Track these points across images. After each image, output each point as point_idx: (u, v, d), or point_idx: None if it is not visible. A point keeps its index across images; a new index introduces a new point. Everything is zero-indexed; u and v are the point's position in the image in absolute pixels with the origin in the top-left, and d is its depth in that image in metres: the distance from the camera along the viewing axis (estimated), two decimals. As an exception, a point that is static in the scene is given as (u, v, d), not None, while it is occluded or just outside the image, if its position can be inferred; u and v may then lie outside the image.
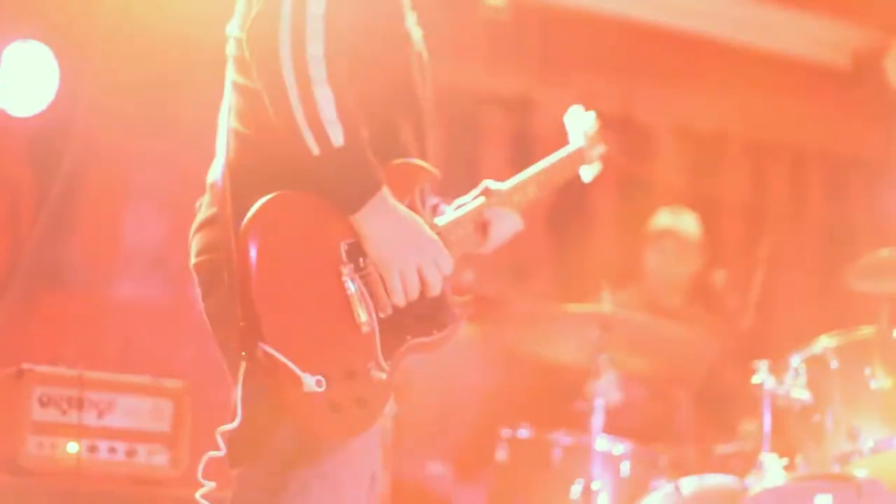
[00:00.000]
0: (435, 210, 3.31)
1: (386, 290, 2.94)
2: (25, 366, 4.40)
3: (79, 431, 4.39)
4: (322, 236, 2.90)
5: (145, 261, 6.09)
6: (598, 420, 5.06)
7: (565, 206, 7.23)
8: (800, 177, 7.89)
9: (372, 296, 2.93)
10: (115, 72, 5.95)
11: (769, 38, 7.65)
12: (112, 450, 4.46)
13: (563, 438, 5.30)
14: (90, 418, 4.45)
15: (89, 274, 6.00)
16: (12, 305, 5.78)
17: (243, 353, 2.82)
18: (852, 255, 5.89)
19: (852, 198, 8.01)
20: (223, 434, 2.85)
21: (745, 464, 5.15)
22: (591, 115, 3.82)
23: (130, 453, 4.49)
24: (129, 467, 4.50)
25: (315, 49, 2.84)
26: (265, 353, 2.77)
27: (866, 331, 4.99)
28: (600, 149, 3.78)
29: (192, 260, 3.08)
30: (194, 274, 3.08)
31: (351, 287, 2.88)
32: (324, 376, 2.81)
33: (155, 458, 4.53)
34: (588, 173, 3.76)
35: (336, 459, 2.94)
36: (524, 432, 5.40)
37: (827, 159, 7.93)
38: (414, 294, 2.96)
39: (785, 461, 4.69)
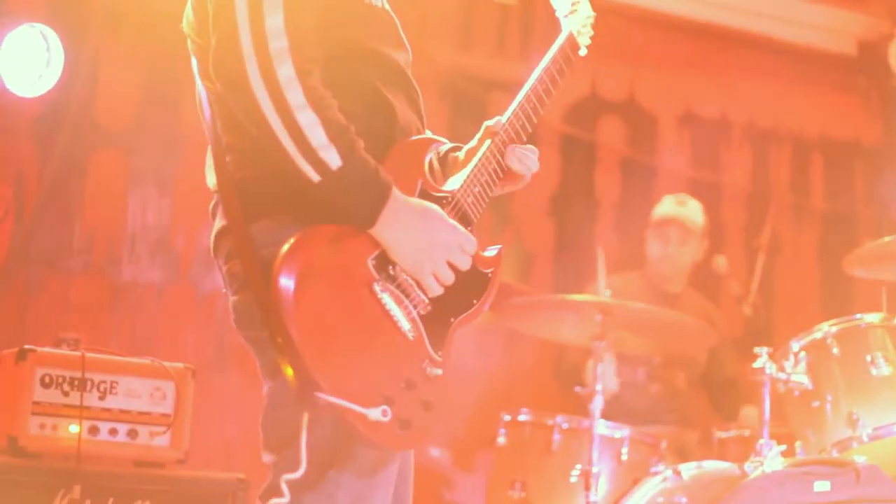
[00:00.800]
0: (447, 160, 3.27)
1: (421, 289, 2.93)
2: (27, 347, 4.39)
3: (80, 413, 4.39)
4: (349, 261, 2.86)
5: (149, 242, 6.10)
6: (597, 405, 5.06)
7: (569, 191, 7.24)
8: (802, 164, 7.90)
9: (408, 297, 2.92)
10: (120, 54, 5.97)
11: (773, 26, 7.64)
12: (113, 431, 4.46)
13: (562, 423, 5.30)
14: (92, 399, 4.45)
15: (93, 255, 6.01)
16: (15, 286, 5.80)
17: (303, 406, 2.77)
18: (854, 242, 5.91)
19: (854, 185, 8.02)
20: (288, 483, 2.81)
21: (745, 449, 5.16)
22: None
23: (132, 435, 4.49)
24: (130, 449, 4.50)
25: (285, 70, 2.78)
26: (325, 402, 2.73)
27: (867, 317, 4.99)
28: (589, 15, 3.52)
29: (223, 266, 3.06)
30: (226, 279, 3.06)
31: (387, 300, 2.87)
32: (387, 401, 2.79)
33: (156, 440, 4.53)
34: (583, 48, 3.51)
35: (373, 457, 2.93)
36: (524, 416, 5.40)
37: (829, 146, 7.93)
38: (449, 283, 2.95)
39: (783, 447, 4.70)
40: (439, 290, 2.94)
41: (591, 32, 3.49)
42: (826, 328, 4.93)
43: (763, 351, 4.81)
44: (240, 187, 2.97)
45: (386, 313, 2.86)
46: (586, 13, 3.50)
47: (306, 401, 2.75)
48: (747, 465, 4.62)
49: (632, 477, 5.18)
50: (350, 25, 3.05)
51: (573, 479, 5.13)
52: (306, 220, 2.85)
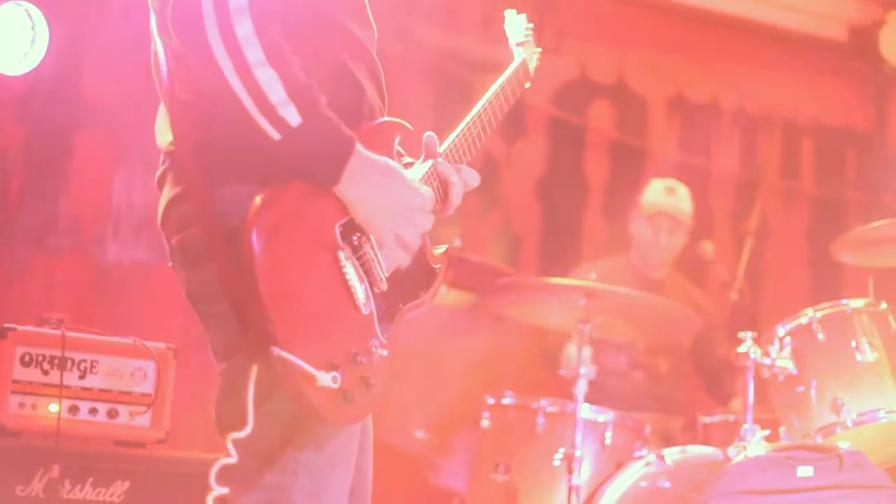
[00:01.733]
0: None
1: (381, 267, 2.90)
2: (7, 325, 4.37)
3: (60, 391, 4.37)
4: (318, 223, 2.83)
5: (134, 222, 6.08)
6: (581, 388, 5.05)
7: (556, 175, 7.23)
8: (792, 149, 7.89)
9: (368, 274, 2.88)
10: (106, 32, 5.94)
11: (765, 11, 7.63)
12: (93, 410, 4.44)
13: (546, 406, 5.29)
14: (72, 378, 4.42)
15: (77, 235, 5.99)
16: (0, 265, 5.78)
17: (254, 359, 2.73)
18: (843, 227, 5.90)
19: (845, 170, 8.01)
20: (235, 441, 2.75)
21: (730, 434, 5.15)
22: (522, 18, 3.71)
23: (112, 414, 4.47)
24: (110, 428, 4.47)
25: (244, 28, 2.72)
26: (279, 356, 2.70)
27: (853, 303, 4.98)
28: (536, 50, 3.65)
29: (173, 237, 2.97)
30: (176, 251, 2.97)
31: (349, 270, 2.84)
32: (335, 369, 2.76)
33: (136, 420, 4.50)
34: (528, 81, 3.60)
35: (331, 433, 2.90)
36: (508, 400, 5.40)
37: (820, 132, 7.93)
38: (415, 247, 2.95)
39: (767, 432, 4.69)
40: (402, 257, 2.93)
41: (536, 64, 3.61)
42: (811, 313, 4.93)
43: (748, 336, 4.81)
44: (200, 150, 2.89)
45: (345, 283, 2.83)
46: (534, 47, 3.63)
47: (258, 354, 2.72)
48: (731, 450, 4.63)
49: (615, 461, 5.18)
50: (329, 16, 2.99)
51: (556, 463, 5.12)
52: (272, 180, 2.79)
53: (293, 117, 2.75)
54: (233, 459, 2.76)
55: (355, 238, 2.87)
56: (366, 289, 2.87)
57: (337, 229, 2.84)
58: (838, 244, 5.25)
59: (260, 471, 2.87)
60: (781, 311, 5.20)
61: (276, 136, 2.75)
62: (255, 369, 2.75)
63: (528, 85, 3.55)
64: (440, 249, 3.14)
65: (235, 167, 2.86)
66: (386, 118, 3.07)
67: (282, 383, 2.74)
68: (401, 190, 2.91)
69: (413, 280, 3.02)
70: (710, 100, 7.67)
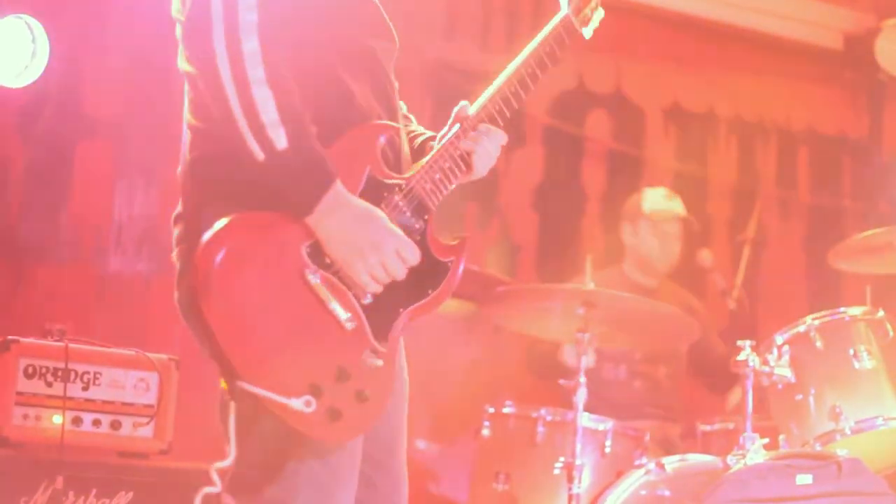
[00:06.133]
0: (424, 149, 3.23)
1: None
2: (11, 337, 4.39)
3: (63, 403, 4.39)
4: (280, 248, 2.83)
5: (136, 233, 6.09)
6: (581, 397, 5.06)
7: (553, 184, 7.25)
8: (788, 157, 7.92)
9: (349, 287, 2.88)
10: (107, 45, 5.96)
11: (760, 20, 7.66)
12: (97, 422, 4.47)
13: (546, 415, 5.30)
14: (75, 390, 4.45)
15: (79, 246, 6.01)
16: (2, 277, 5.79)
17: (227, 393, 2.79)
18: (840, 236, 5.92)
19: (840, 179, 8.04)
20: (218, 471, 2.82)
21: (729, 442, 5.17)
22: None
23: (115, 425, 4.49)
24: (113, 439, 4.50)
25: (251, 44, 2.75)
26: (245, 390, 2.73)
27: (850, 311, 5.00)
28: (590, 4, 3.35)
29: (174, 251, 3.04)
30: (175, 266, 3.04)
31: (322, 288, 2.84)
32: (313, 391, 2.77)
33: (139, 431, 4.53)
34: (589, 30, 3.36)
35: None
36: (508, 409, 5.41)
37: (815, 140, 7.95)
38: (385, 281, 2.91)
39: (766, 440, 4.71)
40: (376, 288, 2.90)
41: (599, 15, 3.36)
42: (809, 321, 4.94)
43: (746, 344, 4.82)
44: (192, 168, 2.96)
45: (319, 301, 2.83)
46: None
47: (229, 388, 2.76)
48: (730, 458, 4.62)
49: (615, 469, 5.18)
50: (326, 9, 3.02)
51: (557, 472, 5.13)
52: (251, 205, 2.83)
53: (280, 140, 2.77)
54: (216, 489, 2.82)
55: (327, 257, 2.87)
56: (347, 303, 2.87)
57: (304, 250, 2.85)
58: (835, 252, 5.27)
59: (262, 485, 2.90)
60: (779, 319, 5.21)
61: (260, 156, 2.77)
62: (232, 404, 2.81)
63: (586, 33, 3.32)
64: (454, 241, 3.11)
65: (219, 186, 2.90)
66: (371, 121, 3.03)
67: (263, 411, 2.78)
68: (374, 232, 2.89)
69: (417, 281, 2.99)
70: (706, 109, 7.69)
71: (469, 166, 3.17)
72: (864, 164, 7.94)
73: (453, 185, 3.13)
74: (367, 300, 2.91)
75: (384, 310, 2.94)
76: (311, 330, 2.83)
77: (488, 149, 3.18)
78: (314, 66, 2.96)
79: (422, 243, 3.02)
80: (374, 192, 2.97)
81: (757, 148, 7.83)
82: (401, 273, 2.92)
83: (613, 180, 7.36)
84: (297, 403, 2.76)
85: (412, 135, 3.33)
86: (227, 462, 2.81)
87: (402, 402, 3.25)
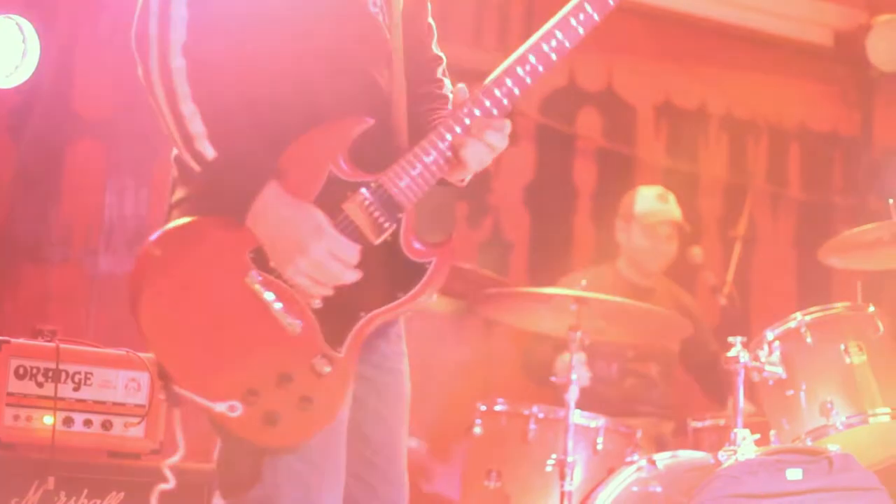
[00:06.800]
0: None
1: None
2: (2, 338, 4.38)
3: (55, 403, 4.38)
4: (223, 253, 2.84)
5: (127, 233, 6.09)
6: (573, 395, 5.06)
7: (545, 182, 7.25)
8: (779, 154, 7.92)
9: (299, 291, 2.85)
10: (97, 45, 5.96)
11: (751, 17, 7.66)
12: (88, 422, 4.45)
13: (538, 412, 5.30)
14: (66, 390, 4.44)
15: (70, 246, 6.00)
16: (-8, 277, 5.80)
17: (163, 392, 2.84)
18: (831, 232, 5.92)
19: (832, 175, 8.04)
20: (170, 468, 2.90)
21: (720, 438, 5.18)
22: None
23: (106, 426, 4.48)
24: (104, 439, 4.49)
25: (178, 62, 2.80)
26: (179, 393, 2.78)
27: (841, 306, 5.01)
28: None
29: None
30: None
31: (266, 292, 2.82)
32: (249, 395, 2.77)
33: (131, 431, 4.52)
34: None
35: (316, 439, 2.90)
36: (500, 406, 5.41)
37: (807, 137, 7.96)
38: (328, 283, 2.85)
39: (757, 436, 4.71)
40: (322, 291, 2.85)
41: None
42: (800, 317, 4.95)
43: (737, 340, 4.83)
44: (172, 169, 3.01)
45: (262, 305, 2.82)
46: None
47: (165, 389, 2.81)
48: (721, 454, 4.63)
49: (607, 466, 5.19)
50: (303, 21, 2.98)
51: (549, 469, 5.14)
52: (211, 209, 2.86)
53: (209, 151, 2.79)
54: (169, 485, 2.91)
55: (272, 262, 2.85)
56: (295, 307, 2.84)
57: (248, 254, 2.84)
58: (826, 248, 5.27)
59: (246, 485, 2.89)
60: (770, 315, 5.22)
61: (196, 168, 2.82)
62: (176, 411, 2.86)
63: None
64: (433, 241, 2.98)
65: (188, 192, 2.94)
66: (336, 121, 2.95)
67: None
68: (302, 233, 2.83)
69: (383, 283, 2.92)
70: (697, 106, 7.69)
71: (460, 160, 2.96)
72: (855, 160, 7.94)
73: (434, 179, 2.96)
74: (317, 304, 2.86)
75: (341, 314, 2.88)
76: (251, 334, 2.82)
77: (488, 140, 2.97)
78: (288, 68, 2.94)
79: (394, 244, 2.93)
80: (336, 193, 2.90)
81: (748, 144, 7.84)
82: (343, 274, 2.86)
83: (605, 178, 7.37)
84: (220, 407, 2.77)
85: (435, 117, 3.15)
86: (176, 457, 2.88)
87: (401, 406, 3.22)
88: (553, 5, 3.22)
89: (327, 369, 2.84)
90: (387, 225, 2.91)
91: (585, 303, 5.12)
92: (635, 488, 4.92)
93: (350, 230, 2.89)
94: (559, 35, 2.98)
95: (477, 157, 2.98)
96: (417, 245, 2.95)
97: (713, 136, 7.75)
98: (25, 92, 5.50)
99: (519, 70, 2.96)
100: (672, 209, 6.40)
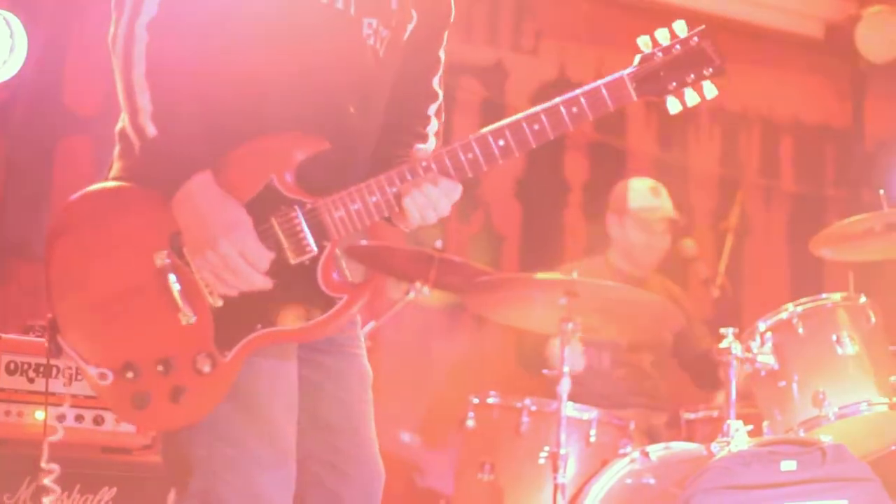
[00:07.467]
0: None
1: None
2: (-7, 334, 4.39)
3: (46, 399, 4.36)
4: (150, 226, 2.87)
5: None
6: (565, 387, 5.05)
7: (536, 175, 7.25)
8: (771, 146, 7.92)
9: (206, 284, 2.86)
10: (86, 40, 5.94)
11: (741, 9, 7.65)
12: (80, 417, 4.45)
13: (531, 405, 5.30)
14: (58, 386, 4.42)
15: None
16: (-17, 274, 5.78)
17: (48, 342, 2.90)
18: (823, 224, 5.92)
19: (823, 167, 8.04)
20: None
21: (713, 430, 5.18)
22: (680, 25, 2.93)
23: (98, 421, 4.48)
24: (96, 435, 4.48)
25: (142, 33, 2.85)
26: (60, 342, 2.85)
27: (833, 297, 5.02)
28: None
29: None
30: None
31: (172, 277, 2.83)
32: (126, 369, 2.81)
33: (122, 426, 4.51)
34: (674, 104, 2.95)
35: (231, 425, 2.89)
36: (493, 399, 5.40)
37: (798, 129, 7.96)
38: (232, 283, 2.84)
39: (750, 427, 4.71)
40: (226, 290, 2.84)
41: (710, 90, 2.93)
42: (792, 308, 4.96)
43: (729, 331, 4.83)
44: (115, 150, 3.07)
45: (163, 288, 2.84)
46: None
47: (49, 340, 2.89)
48: (714, 446, 4.64)
49: (600, 458, 5.20)
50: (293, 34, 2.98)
51: (541, 461, 5.14)
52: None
53: (150, 129, 2.82)
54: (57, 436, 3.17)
55: (187, 250, 2.87)
56: (196, 299, 2.85)
57: (169, 236, 2.86)
58: (817, 240, 5.27)
59: (186, 479, 2.89)
60: (762, 306, 5.22)
61: (136, 142, 2.85)
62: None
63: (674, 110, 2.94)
64: (356, 278, 2.97)
65: (117, 169, 3.02)
66: (298, 135, 2.94)
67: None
68: (218, 227, 2.82)
69: (291, 304, 2.89)
70: (688, 98, 7.67)
71: (401, 207, 2.91)
72: (846, 152, 7.95)
73: (371, 220, 2.92)
74: (219, 303, 2.86)
75: (238, 320, 2.87)
76: (145, 311, 2.85)
77: (426, 192, 2.90)
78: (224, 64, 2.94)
79: (311, 269, 2.91)
80: (270, 203, 2.89)
81: (740, 137, 7.84)
82: (251, 277, 2.84)
83: (596, 170, 7.36)
84: (92, 371, 2.83)
85: (399, 159, 3.08)
86: (57, 436, 3.12)
87: (362, 388, 3.19)
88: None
89: (207, 368, 2.84)
90: (308, 248, 2.90)
91: (576, 294, 5.10)
92: (629, 480, 4.92)
93: (271, 241, 2.88)
94: (544, 119, 3.00)
95: (417, 208, 2.92)
96: (335, 276, 2.92)
97: (705, 129, 7.75)
98: (14, 87, 5.49)
99: (493, 145, 2.94)
100: (667, 204, 6.38)
